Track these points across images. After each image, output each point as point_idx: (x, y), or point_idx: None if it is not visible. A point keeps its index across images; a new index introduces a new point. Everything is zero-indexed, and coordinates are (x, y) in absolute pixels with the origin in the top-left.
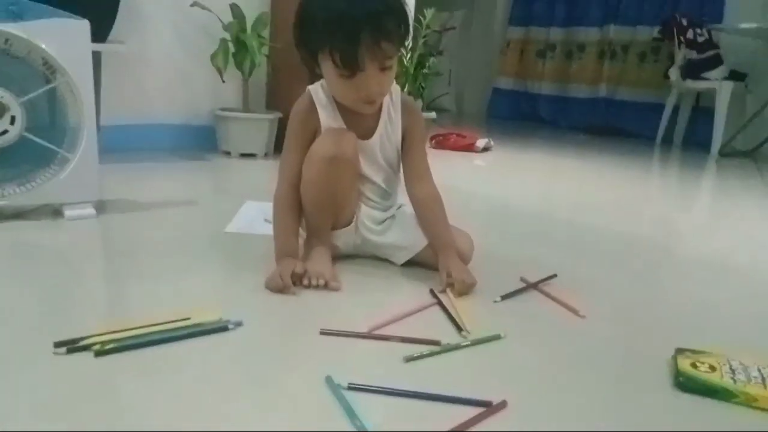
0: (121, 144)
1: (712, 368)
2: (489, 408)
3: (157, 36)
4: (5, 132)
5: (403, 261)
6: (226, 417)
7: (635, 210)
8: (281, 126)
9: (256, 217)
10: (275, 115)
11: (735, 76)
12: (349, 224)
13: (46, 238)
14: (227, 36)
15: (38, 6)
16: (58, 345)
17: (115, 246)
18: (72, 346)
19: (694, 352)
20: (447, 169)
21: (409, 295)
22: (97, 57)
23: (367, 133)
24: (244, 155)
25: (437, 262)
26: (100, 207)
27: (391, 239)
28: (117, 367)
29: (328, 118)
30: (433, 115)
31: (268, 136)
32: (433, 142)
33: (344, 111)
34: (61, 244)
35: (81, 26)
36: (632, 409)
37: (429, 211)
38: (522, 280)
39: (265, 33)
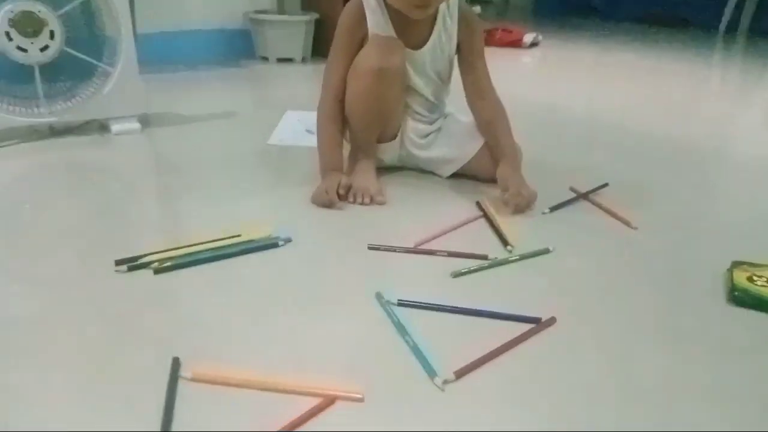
0: (158, 52)
1: None
2: (538, 324)
3: None
4: (46, 47)
5: (448, 174)
6: (280, 327)
7: (691, 110)
8: (318, 28)
9: (297, 127)
10: (311, 17)
11: None
12: (394, 138)
13: (96, 155)
14: None
15: None
16: (119, 263)
17: (162, 162)
18: (132, 264)
19: (751, 265)
20: (492, 68)
21: (455, 208)
22: None
23: (418, 42)
24: (281, 60)
25: (486, 173)
26: (144, 120)
27: (436, 153)
28: (176, 283)
29: (377, 25)
30: (477, 9)
31: (305, 39)
32: None
33: (395, 17)
34: (110, 160)
35: None
36: (684, 324)
37: (492, 126)
38: (572, 189)
39: None
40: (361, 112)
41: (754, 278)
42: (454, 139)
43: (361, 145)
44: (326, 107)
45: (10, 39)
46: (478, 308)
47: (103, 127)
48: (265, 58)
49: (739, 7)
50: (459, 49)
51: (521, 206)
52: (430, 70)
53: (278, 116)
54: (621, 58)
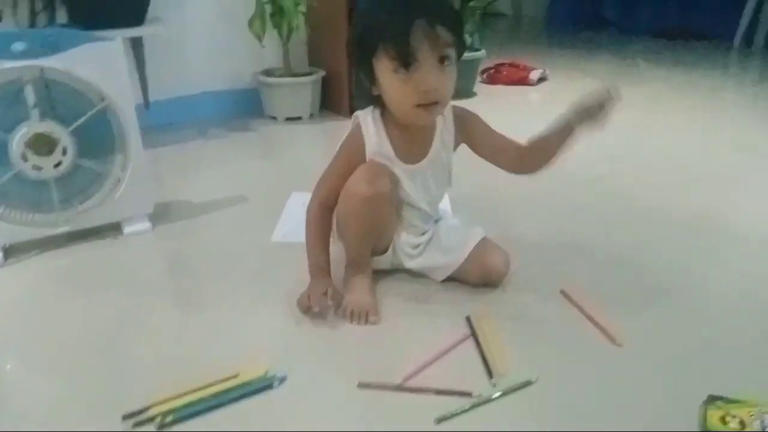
0: (169, 117)
1: (742, 424)
2: None
3: (194, 5)
4: (59, 164)
5: (441, 279)
6: None
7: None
8: (325, 84)
9: (301, 215)
10: (317, 76)
11: None
12: (386, 251)
13: (106, 261)
14: None
15: (73, 33)
16: (125, 417)
17: (166, 272)
18: (138, 419)
19: (727, 402)
20: (499, 110)
21: (446, 323)
22: (138, 39)
23: (417, 158)
24: (289, 119)
25: (477, 278)
26: (156, 214)
27: (428, 262)
28: None
29: (375, 145)
30: (481, 54)
31: (312, 97)
32: (484, 76)
33: (394, 135)
34: (119, 269)
35: (114, 48)
36: None
37: (536, 155)
38: (563, 293)
39: None
40: (354, 231)
41: (727, 419)
42: (444, 245)
43: (355, 258)
44: (311, 211)
45: (26, 160)
46: None
47: (115, 228)
48: (273, 117)
49: (753, 20)
50: (474, 147)
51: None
52: (430, 182)
53: (285, 195)
54: (633, 91)
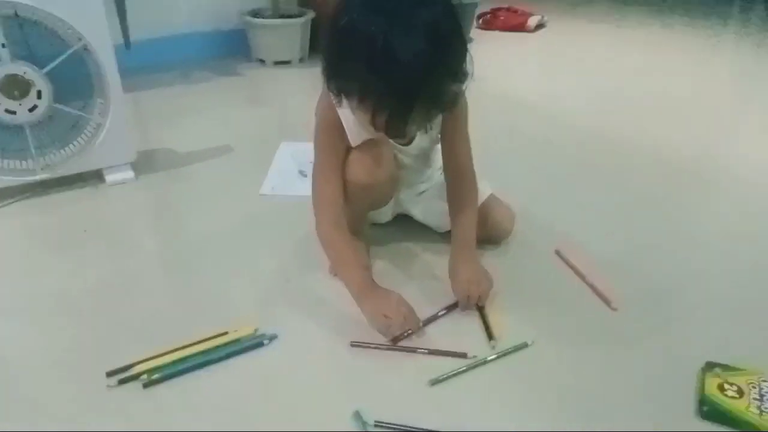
0: (151, 58)
1: (740, 392)
2: None
3: None
4: (35, 108)
5: (445, 230)
6: None
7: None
8: (314, 27)
9: (290, 167)
10: (307, 18)
11: None
12: (386, 203)
13: (89, 212)
14: None
15: None
16: (109, 374)
17: (152, 225)
18: (122, 376)
19: (725, 369)
20: (495, 57)
21: (445, 284)
22: None
23: (403, 141)
24: (278, 63)
25: (478, 234)
26: (140, 162)
27: (432, 207)
28: (164, 398)
29: (358, 131)
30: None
31: (301, 40)
32: (480, 21)
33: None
34: (103, 220)
35: None
36: None
37: (460, 209)
38: (557, 253)
39: None
40: (350, 209)
41: (725, 387)
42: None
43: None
44: (326, 234)
45: None
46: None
47: (98, 176)
48: (261, 61)
49: None
50: (442, 128)
51: (469, 306)
52: (422, 149)
53: (274, 146)
54: (633, 37)
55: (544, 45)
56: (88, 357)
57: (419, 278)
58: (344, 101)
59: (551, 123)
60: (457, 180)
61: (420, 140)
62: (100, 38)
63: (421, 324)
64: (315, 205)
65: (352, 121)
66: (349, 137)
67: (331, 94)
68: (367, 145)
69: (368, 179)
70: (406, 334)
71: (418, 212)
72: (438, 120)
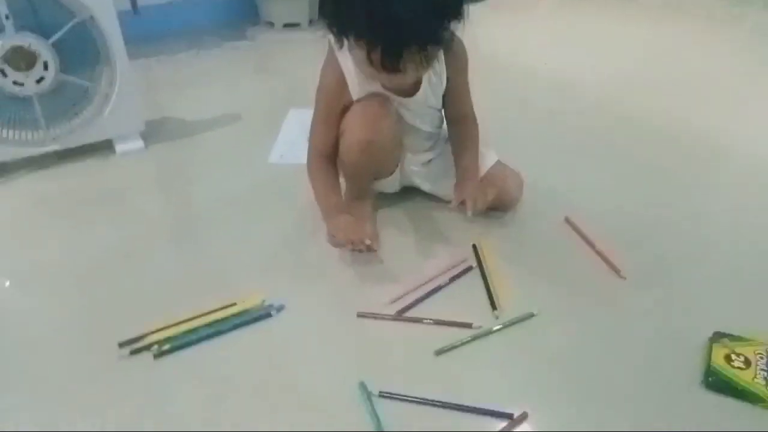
0: (159, 23)
1: (747, 363)
2: (511, 420)
3: None
4: (42, 79)
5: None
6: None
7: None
8: None
9: (299, 134)
10: None
11: None
12: (392, 174)
13: (99, 184)
14: None
15: None
16: (122, 345)
17: (163, 193)
18: (135, 347)
19: (733, 339)
20: (506, 30)
21: (451, 253)
22: None
23: (410, 90)
24: (287, 25)
25: (502, 195)
26: (149, 132)
27: (438, 178)
28: (174, 368)
29: (361, 83)
30: None
31: (311, 2)
32: None
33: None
34: (113, 192)
35: None
36: (659, 416)
37: (462, 147)
38: (567, 221)
39: None
40: (352, 171)
41: (732, 357)
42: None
43: (353, 187)
44: (311, 163)
45: (5, 75)
46: (456, 402)
47: (108, 146)
48: (270, 23)
49: None
50: (446, 86)
51: (477, 208)
52: (427, 107)
53: (283, 114)
54: (652, 4)
55: (556, 18)
56: (96, 327)
57: (427, 242)
58: (344, 45)
59: (562, 95)
60: (460, 124)
61: (424, 94)
62: (104, 7)
63: (367, 241)
64: (308, 150)
65: (354, 72)
66: (350, 91)
67: (331, 36)
68: (368, 100)
69: (368, 135)
70: (356, 248)
71: (425, 183)
72: (442, 76)
